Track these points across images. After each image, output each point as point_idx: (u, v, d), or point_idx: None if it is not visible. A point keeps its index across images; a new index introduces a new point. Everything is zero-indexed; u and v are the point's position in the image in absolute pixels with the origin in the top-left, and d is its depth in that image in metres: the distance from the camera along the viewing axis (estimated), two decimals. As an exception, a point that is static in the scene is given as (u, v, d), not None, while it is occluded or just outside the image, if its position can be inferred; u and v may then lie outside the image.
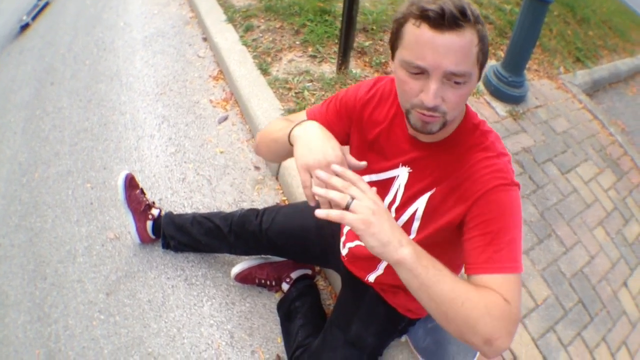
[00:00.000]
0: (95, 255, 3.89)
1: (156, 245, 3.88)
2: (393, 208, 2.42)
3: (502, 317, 1.77)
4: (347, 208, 1.72)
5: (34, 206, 4.35)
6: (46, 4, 8.00)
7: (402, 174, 2.35)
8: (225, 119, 5.16)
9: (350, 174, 1.92)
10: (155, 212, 3.78)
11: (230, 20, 6.29)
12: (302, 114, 2.66)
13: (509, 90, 5.53)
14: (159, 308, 3.55)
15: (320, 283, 3.70)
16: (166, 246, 3.78)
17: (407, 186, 2.33)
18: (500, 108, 5.43)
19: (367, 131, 2.45)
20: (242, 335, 3.43)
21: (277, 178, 4.50)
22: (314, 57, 5.57)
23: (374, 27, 6.08)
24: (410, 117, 2.00)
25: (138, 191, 3.81)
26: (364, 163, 2.16)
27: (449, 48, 1.74)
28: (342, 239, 2.90)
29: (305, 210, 3.34)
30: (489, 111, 5.31)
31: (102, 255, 3.88)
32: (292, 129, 2.28)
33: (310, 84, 5.10)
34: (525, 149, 5.04)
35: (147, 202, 3.81)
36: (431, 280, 1.80)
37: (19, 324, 3.60)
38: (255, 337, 3.43)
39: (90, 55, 6.34)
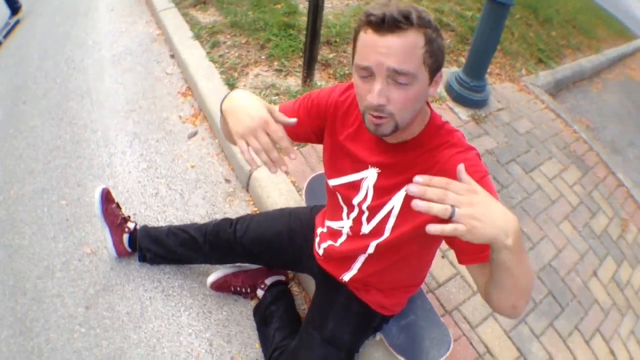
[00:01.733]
0: (73, 270, 3.92)
1: (132, 259, 3.93)
2: (365, 206, 2.52)
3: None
4: (451, 217, 1.63)
5: (10, 224, 4.37)
6: (17, 22, 8.00)
7: (370, 175, 2.45)
8: (195, 134, 5.22)
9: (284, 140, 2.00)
10: (131, 225, 3.84)
11: (197, 37, 6.35)
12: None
13: (470, 95, 5.61)
14: (138, 319, 3.59)
15: (295, 289, 3.78)
16: (143, 259, 3.83)
17: (376, 186, 2.44)
18: (463, 113, 5.52)
19: (339, 133, 2.57)
20: (220, 343, 3.49)
21: (247, 190, 4.57)
22: (280, 71, 5.66)
23: (337, 40, 6.17)
24: (365, 120, 2.11)
25: (114, 205, 3.85)
26: (293, 120, 2.18)
27: (390, 48, 1.85)
28: (317, 239, 3.00)
29: (277, 217, 3.43)
30: (452, 116, 5.39)
31: (80, 270, 3.92)
32: (221, 104, 2.31)
33: (277, 97, 5.18)
34: (488, 151, 5.17)
35: (123, 216, 3.87)
36: (524, 257, 1.87)
37: (2, 339, 3.62)
38: (234, 344, 3.50)
39: (60, 74, 6.35)
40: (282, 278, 3.72)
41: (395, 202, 2.37)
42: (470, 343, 3.48)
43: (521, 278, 1.86)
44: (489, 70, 6.19)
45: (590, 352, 3.93)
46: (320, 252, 2.93)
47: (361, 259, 2.72)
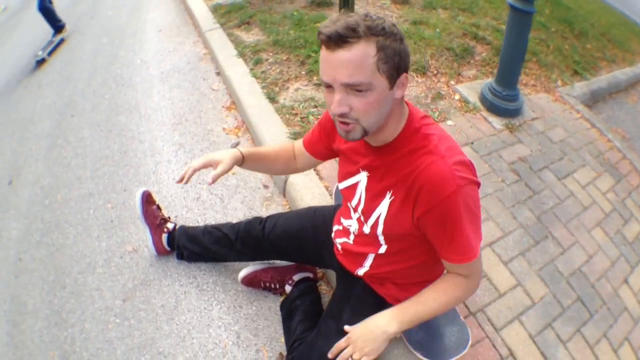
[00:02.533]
0: (114, 266, 4.09)
1: (171, 257, 4.06)
2: (360, 210, 2.68)
3: (467, 289, 2.51)
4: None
5: (55, 225, 4.56)
6: (62, 41, 8.24)
7: (362, 179, 2.59)
8: (238, 144, 5.32)
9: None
10: (170, 226, 3.99)
11: (241, 55, 6.50)
12: (300, 141, 3.21)
13: (503, 104, 5.59)
14: (171, 312, 3.72)
15: (323, 287, 3.84)
16: (180, 257, 3.98)
17: (367, 189, 2.58)
18: (497, 122, 5.49)
19: (339, 143, 2.77)
20: (247, 336, 3.58)
21: (284, 194, 4.66)
22: (318, 85, 5.75)
23: None
24: (337, 128, 2.27)
25: (154, 207, 4.01)
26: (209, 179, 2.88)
27: (340, 63, 1.99)
28: (332, 235, 3.12)
29: (303, 214, 3.57)
30: (486, 126, 5.39)
31: (120, 266, 4.08)
32: None
33: (315, 109, 5.29)
34: (521, 158, 5.15)
35: (163, 217, 4.01)
36: (422, 316, 2.52)
37: (36, 330, 3.80)
38: (260, 337, 3.58)
39: (109, 90, 6.56)
40: (310, 275, 3.79)
41: (382, 209, 2.50)
42: (494, 345, 3.43)
43: (438, 314, 2.54)
44: (524, 81, 6.26)
45: (618, 362, 3.82)
46: (339, 247, 3.04)
47: (371, 257, 2.81)
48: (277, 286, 3.75)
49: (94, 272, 4.08)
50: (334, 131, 2.77)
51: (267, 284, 3.76)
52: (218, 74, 6.69)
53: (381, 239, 2.62)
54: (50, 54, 7.88)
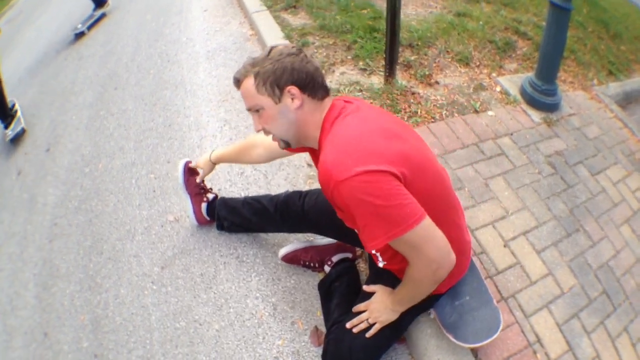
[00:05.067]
0: (154, 235, 4.13)
1: (212, 228, 4.08)
2: None
3: (416, 271, 2.48)
4: None
5: (95, 192, 4.62)
6: (102, 15, 8.28)
7: None
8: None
9: None
10: (210, 196, 4.04)
11: (288, 37, 6.47)
12: None
13: (542, 98, 5.55)
14: (210, 281, 3.74)
15: (362, 265, 3.82)
16: (220, 227, 4.00)
17: None
18: (535, 115, 5.46)
19: None
20: (284, 308, 3.59)
21: None
22: (364, 70, 5.73)
23: (419, 43, 6.19)
24: None
25: (196, 178, 4.01)
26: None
27: (242, 97, 2.57)
28: None
29: None
30: (525, 118, 5.36)
31: (161, 235, 4.12)
32: None
33: (360, 93, 5.26)
34: (557, 152, 5.10)
35: (204, 187, 4.05)
36: (410, 300, 2.77)
37: (67, 293, 3.87)
38: (297, 310, 3.59)
39: (154, 66, 6.59)
40: (349, 255, 3.75)
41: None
42: (522, 331, 3.42)
43: (418, 296, 2.72)
44: (563, 78, 6.22)
45: (635, 356, 3.76)
46: None
47: (379, 253, 2.84)
48: (317, 265, 3.74)
49: (133, 239, 4.11)
50: None
51: (307, 263, 3.76)
52: None
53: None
54: (90, 27, 7.95)
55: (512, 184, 4.35)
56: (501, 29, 7.05)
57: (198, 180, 3.87)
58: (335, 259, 3.68)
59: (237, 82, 2.55)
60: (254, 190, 4.42)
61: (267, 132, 2.60)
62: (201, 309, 3.57)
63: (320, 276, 3.73)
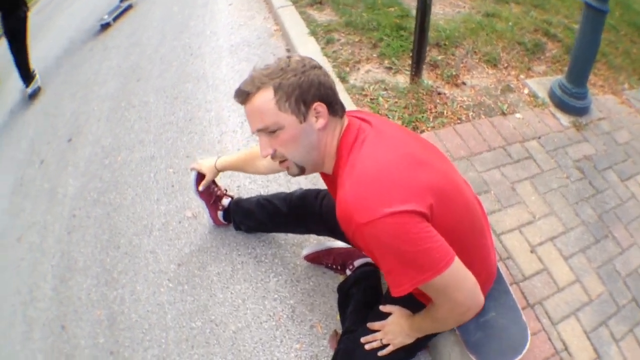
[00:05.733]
0: (172, 231, 4.05)
1: (230, 227, 3.98)
2: None
3: (441, 313, 2.32)
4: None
5: (114, 184, 4.55)
6: (129, 7, 8.26)
7: None
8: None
9: None
10: (225, 202, 3.91)
11: (313, 33, 6.38)
12: None
13: (572, 102, 5.42)
14: (227, 280, 3.66)
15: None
16: (238, 229, 3.91)
17: None
18: (564, 119, 5.34)
19: None
20: (303, 310, 3.50)
21: None
22: (390, 68, 5.63)
23: (447, 43, 6.11)
24: None
25: (211, 185, 3.90)
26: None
27: (248, 114, 2.23)
28: None
29: None
30: (553, 122, 5.25)
31: (178, 231, 4.04)
32: None
33: (385, 92, 5.16)
34: (586, 157, 4.95)
35: (217, 194, 3.92)
36: (430, 330, 2.64)
37: (84, 287, 3.81)
38: (316, 313, 3.48)
39: (177, 58, 6.52)
40: (371, 260, 3.52)
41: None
42: (549, 338, 3.31)
43: (437, 330, 2.68)
44: (592, 81, 6.08)
45: (664, 363, 3.82)
46: None
47: None
48: (339, 268, 3.62)
49: (150, 235, 4.04)
50: None
51: (330, 265, 3.65)
52: (288, 50, 6.54)
53: None
54: (115, 19, 7.92)
55: (539, 188, 4.23)
56: (530, 31, 6.91)
57: (201, 187, 3.69)
58: (357, 263, 3.53)
59: (245, 96, 2.18)
60: (274, 189, 4.32)
61: (277, 157, 2.27)
62: (218, 309, 3.48)
63: (341, 278, 3.62)
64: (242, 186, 4.37)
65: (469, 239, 2.41)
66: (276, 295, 3.55)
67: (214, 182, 3.90)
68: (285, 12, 7.05)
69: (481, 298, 2.20)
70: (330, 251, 3.62)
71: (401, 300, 2.70)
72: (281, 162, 2.29)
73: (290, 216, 3.46)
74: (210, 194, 3.86)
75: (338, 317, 3.39)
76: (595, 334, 3.46)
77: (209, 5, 8.04)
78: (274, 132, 2.18)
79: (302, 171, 2.31)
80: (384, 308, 2.79)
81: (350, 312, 3.17)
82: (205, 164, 3.69)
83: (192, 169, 3.76)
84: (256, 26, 7.15)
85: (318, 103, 2.18)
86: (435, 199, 2.07)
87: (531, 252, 3.79)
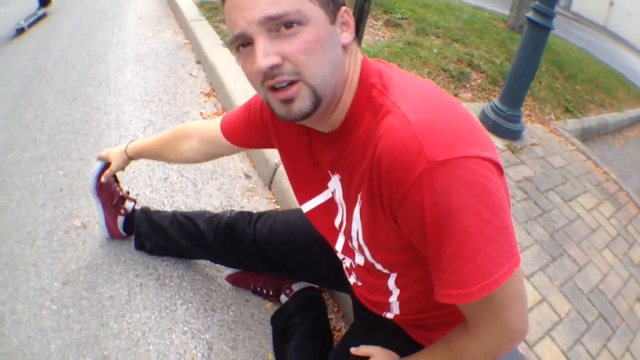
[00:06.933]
0: (57, 241, 3.06)
1: (127, 241, 3.06)
2: (342, 230, 1.70)
3: (481, 349, 1.39)
4: None
5: (2, 185, 3.61)
6: (44, 15, 7.62)
7: (337, 185, 1.63)
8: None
9: None
10: (129, 205, 2.95)
11: (228, 45, 5.78)
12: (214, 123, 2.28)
13: (506, 124, 5.27)
14: (122, 307, 2.69)
15: (331, 299, 2.94)
16: (140, 247, 2.94)
17: (345, 198, 1.61)
18: (499, 142, 5.23)
19: (280, 138, 1.84)
20: (223, 348, 2.59)
21: (269, 187, 3.79)
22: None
23: None
24: (273, 107, 1.37)
25: (114, 183, 2.97)
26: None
27: None
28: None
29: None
30: (487, 144, 4.84)
31: (64, 242, 3.06)
32: None
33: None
34: (527, 178, 4.87)
35: (121, 195, 2.96)
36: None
37: None
38: (240, 351, 2.60)
39: (81, 62, 5.83)
40: (315, 285, 2.74)
41: (356, 224, 1.54)
42: None
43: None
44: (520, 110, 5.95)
45: (642, 375, 3.60)
46: (352, 281, 1.95)
47: (395, 303, 1.74)
48: (271, 293, 2.72)
49: (33, 244, 3.03)
50: (269, 123, 1.84)
51: (259, 289, 2.75)
52: (198, 62, 6.04)
53: (379, 266, 1.61)
54: (30, 25, 7.20)
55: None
56: (454, 60, 6.60)
57: (104, 177, 2.73)
58: (295, 287, 2.67)
59: None
60: (180, 200, 3.50)
61: (283, 74, 1.24)
62: (111, 341, 2.49)
63: (269, 306, 2.78)
64: (141, 195, 3.50)
65: None
66: (186, 328, 2.62)
67: (117, 180, 2.97)
68: (199, 25, 6.68)
69: (528, 326, 1.37)
70: (260, 272, 2.74)
71: (382, 337, 1.81)
72: (279, 89, 1.27)
73: (217, 243, 2.60)
74: (112, 193, 2.92)
75: (271, 356, 2.58)
76: (573, 353, 3.30)
77: (118, 17, 7.53)
78: (289, 26, 1.21)
79: (315, 103, 1.29)
80: (357, 351, 1.82)
81: (294, 349, 2.37)
82: (114, 150, 2.76)
83: (99, 158, 2.77)
84: (165, 39, 6.73)
85: (345, 9, 1.33)
86: None
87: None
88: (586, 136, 7.34)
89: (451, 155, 1.12)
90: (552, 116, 6.67)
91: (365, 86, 1.37)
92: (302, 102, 1.26)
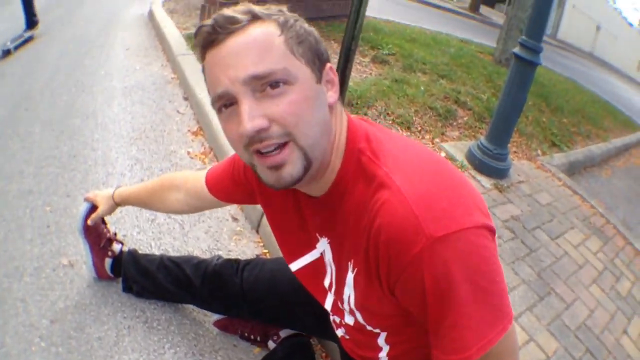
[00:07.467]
0: (44, 279, 3.06)
1: (115, 282, 3.07)
2: (332, 291, 1.71)
3: None
4: None
5: None
6: (31, 37, 7.59)
7: (325, 247, 1.63)
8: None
9: None
10: (116, 248, 2.96)
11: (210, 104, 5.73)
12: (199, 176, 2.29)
13: (493, 163, 5.24)
14: (111, 348, 2.68)
15: (319, 346, 2.92)
16: (128, 290, 2.94)
17: (334, 261, 1.61)
18: (485, 181, 5.22)
19: (264, 197, 1.86)
20: (211, 394, 2.54)
21: (257, 231, 3.81)
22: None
23: (359, 102, 5.75)
24: (259, 174, 1.36)
25: (101, 224, 2.98)
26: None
27: (236, 52, 1.24)
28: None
29: None
30: (475, 184, 5.07)
31: (52, 280, 3.06)
32: None
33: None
34: (514, 217, 4.91)
35: (108, 236, 2.97)
36: None
37: None
38: None
39: (68, 93, 5.78)
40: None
41: (349, 289, 1.55)
42: None
43: None
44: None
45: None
46: (339, 334, 1.96)
47: (384, 353, 1.73)
48: (258, 339, 2.72)
49: (20, 280, 3.03)
50: (253, 182, 1.87)
51: (246, 335, 2.74)
52: (186, 98, 6.02)
53: (369, 327, 1.63)
54: (17, 48, 7.16)
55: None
56: (441, 97, 6.69)
57: (91, 220, 2.75)
58: (283, 333, 2.67)
59: (231, 24, 1.24)
60: (168, 242, 3.48)
61: (272, 137, 1.24)
62: (99, 383, 2.47)
63: (257, 351, 2.76)
64: (128, 236, 3.48)
65: None
66: (175, 373, 2.60)
67: (104, 222, 2.97)
68: (186, 59, 6.68)
69: None
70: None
71: None
72: (267, 155, 1.26)
73: (204, 289, 2.61)
74: (99, 235, 2.90)
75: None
76: (565, 392, 3.24)
77: (105, 47, 7.53)
78: (275, 86, 1.21)
79: (306, 168, 1.29)
80: None
81: None
82: (101, 194, 2.77)
83: (86, 199, 2.79)
84: (152, 72, 6.73)
85: (330, 65, 1.37)
86: None
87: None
88: (573, 170, 7.45)
89: (449, 229, 1.16)
90: (539, 151, 6.77)
91: (353, 152, 1.39)
92: (293, 167, 1.27)
